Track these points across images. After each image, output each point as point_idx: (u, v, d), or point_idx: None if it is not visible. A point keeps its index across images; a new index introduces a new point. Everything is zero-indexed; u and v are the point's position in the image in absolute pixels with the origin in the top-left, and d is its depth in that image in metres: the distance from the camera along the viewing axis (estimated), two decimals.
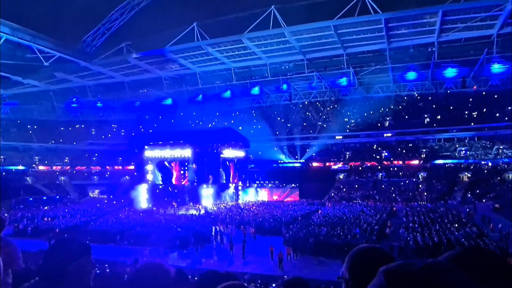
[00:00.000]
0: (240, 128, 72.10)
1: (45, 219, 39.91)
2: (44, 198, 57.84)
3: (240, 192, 54.88)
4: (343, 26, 48.90)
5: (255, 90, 67.39)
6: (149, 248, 26.70)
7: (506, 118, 57.09)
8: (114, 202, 53.60)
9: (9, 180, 60.31)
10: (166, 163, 51.87)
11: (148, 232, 30.49)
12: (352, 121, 69.54)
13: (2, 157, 63.18)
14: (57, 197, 59.88)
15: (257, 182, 60.59)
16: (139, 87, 72.21)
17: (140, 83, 71.10)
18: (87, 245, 1.97)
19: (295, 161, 64.50)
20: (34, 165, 67.34)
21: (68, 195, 62.53)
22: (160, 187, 54.01)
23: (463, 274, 0.83)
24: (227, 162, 54.46)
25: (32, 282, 1.81)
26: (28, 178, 64.31)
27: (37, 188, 61.80)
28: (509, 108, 58.66)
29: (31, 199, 56.17)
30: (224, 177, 52.85)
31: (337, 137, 67.40)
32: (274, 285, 15.37)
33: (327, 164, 62.68)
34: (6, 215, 36.70)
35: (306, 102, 75.12)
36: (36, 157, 68.77)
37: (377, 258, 1.45)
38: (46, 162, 68.94)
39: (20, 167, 64.85)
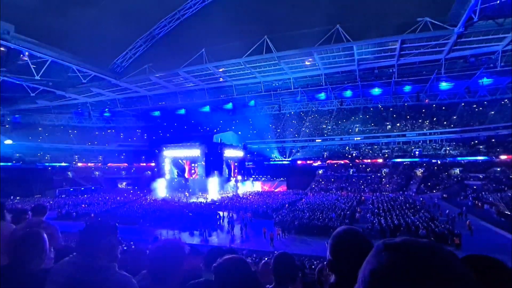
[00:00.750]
0: (240, 132, 72.53)
1: (83, 205, 39.58)
2: (82, 189, 57.47)
3: (239, 184, 54.63)
4: (322, 51, 48.95)
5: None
6: (166, 229, 26.55)
7: (452, 125, 57.43)
8: (138, 192, 53.47)
9: (54, 174, 60.08)
10: (180, 160, 51.59)
11: (165, 216, 30.35)
12: (329, 127, 69.67)
13: (48, 155, 62.91)
14: (92, 188, 59.46)
15: (253, 176, 60.51)
16: (159, 100, 72.05)
17: (160, 97, 70.89)
18: (114, 225, 1.95)
19: (283, 159, 64.46)
20: (74, 162, 66.92)
21: (101, 186, 62.10)
22: (175, 180, 53.89)
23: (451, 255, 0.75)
24: (229, 160, 54.25)
25: (71, 257, 1.81)
26: (69, 172, 63.99)
27: (76, 181, 61.49)
28: (454, 117, 59.08)
29: (71, 189, 55.86)
30: (227, 172, 52.57)
31: (317, 140, 67.41)
32: (266, 258, 15.29)
33: (309, 162, 62.63)
34: (51, 202, 36.67)
35: (292, 112, 75.19)
36: (76, 156, 68.36)
37: (354, 238, 1.41)
38: (83, 160, 68.54)
39: (63, 164, 64.50)
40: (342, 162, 60.93)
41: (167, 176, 51.36)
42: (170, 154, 50.96)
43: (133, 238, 20.42)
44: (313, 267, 11.74)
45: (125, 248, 7.43)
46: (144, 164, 69.37)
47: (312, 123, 70.85)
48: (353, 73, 57.96)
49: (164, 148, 51.44)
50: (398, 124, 64.14)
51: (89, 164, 68.32)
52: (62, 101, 66.00)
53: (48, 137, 66.85)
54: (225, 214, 33.87)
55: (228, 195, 48.43)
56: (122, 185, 65.60)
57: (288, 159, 64.19)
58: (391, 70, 56.24)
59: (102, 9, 51.42)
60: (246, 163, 59.80)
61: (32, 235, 2.05)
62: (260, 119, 73.14)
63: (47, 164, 61.45)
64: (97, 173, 67.42)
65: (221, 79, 59.80)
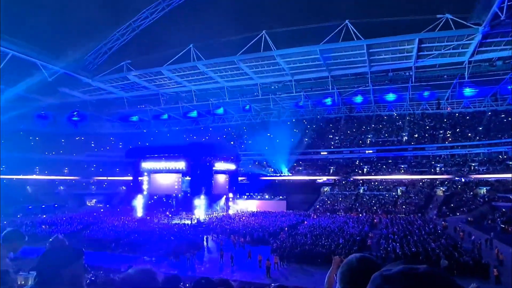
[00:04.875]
0: (232, 143, 72.69)
1: (43, 226, 38.92)
2: (43, 206, 56.42)
3: (230, 203, 54.33)
4: (328, 50, 49.51)
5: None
6: (143, 256, 26.15)
7: (477, 138, 57.94)
8: (111, 211, 52.78)
9: (9, 188, 58.90)
10: (161, 174, 51.28)
11: (142, 240, 29.93)
12: (336, 138, 70.06)
13: (3, 166, 61.78)
14: (56, 205, 58.46)
15: (246, 193, 60.31)
16: (137, 103, 72.21)
17: (139, 99, 71.12)
18: (79, 251, 1.88)
19: (282, 174, 64.37)
20: (34, 175, 66.00)
21: (66, 204, 61.23)
22: (155, 197, 53.33)
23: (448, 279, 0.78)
24: (219, 175, 54.09)
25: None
26: (28, 187, 62.93)
27: (37, 197, 60.35)
28: (480, 128, 59.71)
29: (30, 207, 54.64)
30: (216, 189, 52.32)
31: (322, 153, 67.75)
32: None
33: (313, 177, 62.64)
34: (5, 222, 35.73)
35: (293, 120, 75.61)
36: (37, 167, 67.47)
37: (369, 268, 1.40)
38: (46, 172, 67.60)
39: (21, 177, 63.47)
40: (351, 178, 61.16)
41: (146, 192, 51.01)
42: (149, 166, 50.68)
43: (103, 266, 20.13)
44: None
45: (92, 278, 7.27)
46: (119, 178, 68.81)
47: (317, 133, 71.44)
48: (365, 76, 58.73)
49: (142, 159, 51.19)
50: (415, 136, 64.81)
51: (52, 177, 67.52)
52: (21, 102, 65.49)
53: (4, 143, 65.59)
54: (214, 238, 33.56)
55: (218, 215, 48.11)
56: (92, 202, 64.91)
57: (288, 174, 64.31)
58: (407, 73, 57.09)
59: None
60: (239, 178, 59.81)
61: None
62: (255, 127, 73.48)
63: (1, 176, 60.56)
64: (61, 187, 66.62)
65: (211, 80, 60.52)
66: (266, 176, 64.46)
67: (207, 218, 45.01)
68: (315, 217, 46.38)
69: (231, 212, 52.58)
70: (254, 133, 71.86)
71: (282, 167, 64.67)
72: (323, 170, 64.47)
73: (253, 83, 62.33)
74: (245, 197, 59.39)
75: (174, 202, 52.77)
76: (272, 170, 65.78)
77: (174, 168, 49.06)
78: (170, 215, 47.45)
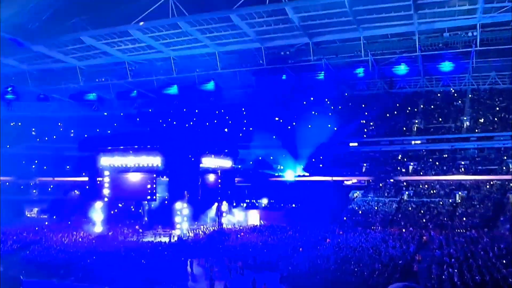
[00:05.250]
0: (226, 130, 72.58)
1: None
2: None
3: (224, 214, 54.40)
4: (360, 1, 48.97)
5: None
6: (102, 287, 26.28)
7: None
8: (59, 224, 52.88)
9: None
10: (128, 174, 51.25)
11: (102, 265, 30.02)
12: (371, 123, 69.89)
13: None
14: None
15: (246, 200, 60.26)
16: (95, 75, 72.05)
17: (97, 70, 71.08)
18: (16, 279, 1.66)
19: (296, 174, 64.43)
20: None
21: None
22: (120, 205, 53.36)
23: None
24: (209, 175, 54.02)
25: None
26: None
27: None
28: None
29: None
30: (204, 194, 52.31)
31: (351, 144, 67.62)
32: None
33: (338, 178, 62.56)
34: None
35: (311, 99, 75.42)
36: None
37: None
38: None
39: None
40: (392, 179, 60.98)
41: (107, 199, 51.15)
42: (112, 163, 50.58)
43: None
44: None
45: None
46: (70, 178, 68.93)
47: (344, 116, 71.27)
48: (411, 38, 58.35)
49: (102, 153, 51.19)
50: (481, 120, 64.49)
51: None
52: None
53: None
54: (201, 261, 33.64)
55: (207, 230, 48.19)
56: (32, 212, 65.01)
57: (304, 174, 64.26)
58: (470, 34, 56.55)
59: None
60: (236, 179, 59.93)
61: None
62: (259, 109, 73.65)
63: None
64: None
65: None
66: (274, 176, 64.51)
67: (192, 234, 45.24)
68: (341, 233, 46.50)
69: (225, 225, 52.76)
70: (257, 117, 71.80)
71: (295, 165, 64.68)
72: (353, 168, 64.31)
73: (255, 48, 61.92)
74: (244, 205, 59.22)
75: (146, 212, 52.87)
76: (282, 168, 65.73)
77: (146, 166, 48.94)
78: (140, 230, 47.72)
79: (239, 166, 62.31)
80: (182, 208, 46.44)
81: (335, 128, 68.91)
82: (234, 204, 57.98)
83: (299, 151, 65.37)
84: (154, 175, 50.08)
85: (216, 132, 62.60)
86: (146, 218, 53.20)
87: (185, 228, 46.35)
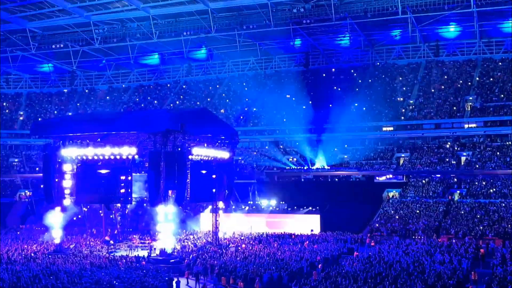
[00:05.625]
0: (223, 111, 72.39)
1: None
2: None
3: (221, 219, 53.74)
4: None
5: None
6: None
7: None
8: (5, 235, 52.43)
9: None
10: (96, 169, 50.83)
11: None
12: (410, 102, 69.81)
13: None
14: None
15: (250, 202, 60.45)
16: (52, 40, 71.80)
17: (54, 33, 71.15)
18: None
19: (314, 167, 64.33)
20: None
21: None
22: (85, 209, 52.86)
23: None
24: (200, 168, 53.43)
25: None
26: None
27: None
28: None
29: None
30: (195, 194, 51.82)
31: (385, 128, 67.54)
32: None
33: (368, 173, 62.66)
34: None
35: (332, 70, 75.54)
36: None
37: None
38: None
39: None
40: (438, 174, 60.80)
41: (69, 201, 50.78)
42: (75, 154, 50.17)
43: None
44: None
45: None
46: (18, 175, 68.73)
47: (375, 94, 71.37)
48: None
49: (61, 142, 50.71)
50: None
51: None
52: None
53: None
54: (191, 281, 33.37)
55: (198, 241, 48.20)
56: None
57: (325, 168, 64.23)
58: None
59: None
60: (236, 174, 58.89)
61: None
62: (265, 83, 73.32)
63: None
64: None
65: None
66: (285, 171, 64.52)
67: (179, 247, 44.99)
68: (372, 244, 46.52)
69: (222, 234, 52.42)
70: (262, 93, 71.88)
71: (313, 155, 64.57)
72: (387, 160, 64.37)
73: (259, 3, 61.87)
74: (247, 208, 59.36)
75: (119, 218, 52.65)
76: (295, 160, 65.69)
77: (119, 158, 48.41)
78: (111, 242, 47.31)
79: (240, 158, 62.17)
80: (165, 213, 45.69)
81: (364, 108, 68.80)
82: (234, 206, 57.88)
83: (317, 137, 65.03)
84: (130, 170, 49.54)
85: (210, 114, 61.90)
86: (119, 226, 52.74)
87: (170, 239, 45.68)
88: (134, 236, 50.61)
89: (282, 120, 68.11)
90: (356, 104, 67.57)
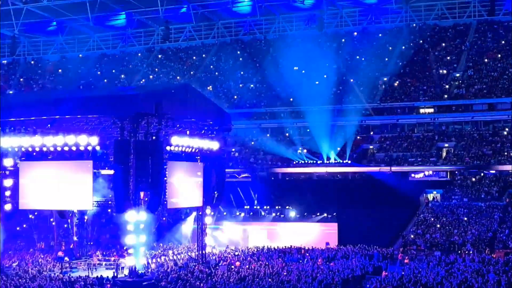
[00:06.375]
0: (210, 88, 72.64)
1: None
2: None
3: (208, 229, 54.23)
4: None
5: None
6: None
7: None
8: None
9: None
10: (46, 164, 50.99)
11: None
12: (457, 75, 69.89)
13: None
14: None
15: (246, 207, 60.61)
16: None
17: None
18: None
19: (330, 162, 64.33)
20: None
21: None
22: (32, 216, 52.91)
23: None
24: (181, 164, 53.60)
25: None
26: None
27: None
28: None
29: None
30: (175, 196, 52.09)
31: (423, 110, 67.64)
32: None
33: (401, 169, 62.68)
34: None
35: (354, 34, 76.26)
36: None
37: None
38: None
39: None
40: (493, 170, 61.02)
41: (10, 207, 50.88)
42: (16, 144, 50.26)
43: None
44: None
45: None
46: None
47: (407, 65, 71.80)
48: None
49: (0, 128, 50.73)
50: None
51: None
52: None
53: None
54: None
55: (179, 257, 48.26)
56: None
57: (343, 162, 64.23)
58: None
59: None
60: (226, 169, 58.72)
61: None
62: (266, 51, 74.01)
63: None
64: None
65: None
66: (292, 166, 64.85)
67: (154, 266, 45.22)
68: (406, 261, 46.54)
69: (210, 248, 52.87)
70: (262, 65, 72.47)
71: (328, 146, 64.82)
72: (426, 152, 64.23)
73: None
74: (242, 214, 59.62)
75: (76, 228, 52.75)
76: (306, 152, 66.02)
77: (75, 149, 48.63)
78: (66, 259, 47.51)
79: (233, 150, 62.55)
80: (136, 221, 45.90)
81: (396, 83, 69.31)
82: (225, 213, 58.09)
83: (334, 122, 65.30)
84: (90, 166, 49.72)
85: (194, 92, 61.70)
86: (75, 238, 52.73)
87: (142, 254, 45.95)
88: (97, 251, 50.44)
89: (288, 100, 68.33)
90: (385, 79, 67.36)
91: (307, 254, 50.55)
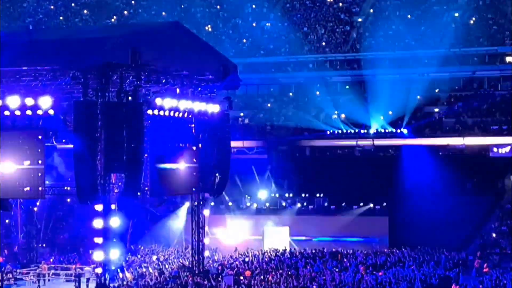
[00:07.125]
0: (209, 28, 72.20)
1: None
2: None
3: (207, 227, 52.95)
4: None
5: None
6: None
7: None
8: None
9: None
10: None
11: None
12: None
13: None
14: None
15: (259, 195, 60.24)
16: None
17: None
18: None
19: (379, 133, 63.84)
20: None
21: None
22: None
23: None
24: (169, 134, 52.12)
25: None
26: None
27: None
28: None
29: None
30: (160, 178, 50.72)
31: (509, 59, 65.96)
32: None
33: (477, 142, 61.35)
34: None
35: None
36: None
37: None
38: None
39: None
40: None
41: None
42: None
43: None
44: None
45: None
46: None
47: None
48: None
49: None
50: None
51: None
52: None
53: None
54: None
55: (166, 265, 47.48)
56: None
57: (398, 132, 63.50)
58: None
59: None
60: (234, 144, 58.92)
61: None
62: None
63: None
64: None
65: None
66: (325, 137, 63.99)
67: (131, 277, 44.68)
68: (486, 269, 45.91)
69: (210, 252, 52.44)
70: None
71: (375, 111, 64.02)
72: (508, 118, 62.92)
73: None
74: (255, 205, 59.71)
75: (22, 225, 52.28)
76: (344, 118, 65.70)
77: (19, 114, 47.32)
78: (9, 267, 46.85)
79: (242, 115, 62.22)
80: (108, 216, 44.56)
81: (471, 21, 68.66)
82: (231, 203, 58.13)
83: (381, 76, 64.54)
84: (40, 137, 48.50)
85: (187, 34, 60.64)
86: (21, 237, 52.59)
87: (116, 260, 44.56)
88: (51, 256, 50.18)
89: (316, 46, 67.60)
90: (456, 14, 66.67)
91: (346, 260, 50.35)
